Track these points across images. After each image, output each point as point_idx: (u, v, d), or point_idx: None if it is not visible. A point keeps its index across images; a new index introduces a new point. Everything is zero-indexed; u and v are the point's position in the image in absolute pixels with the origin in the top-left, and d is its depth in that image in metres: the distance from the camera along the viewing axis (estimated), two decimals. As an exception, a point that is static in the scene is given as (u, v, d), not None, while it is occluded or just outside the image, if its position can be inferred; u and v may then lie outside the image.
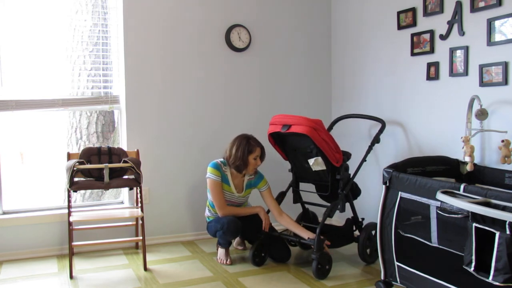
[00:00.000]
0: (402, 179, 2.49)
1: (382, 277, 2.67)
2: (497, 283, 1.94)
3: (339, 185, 3.19)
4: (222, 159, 3.36)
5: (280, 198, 3.44)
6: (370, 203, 3.82)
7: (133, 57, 3.65)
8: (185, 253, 3.55)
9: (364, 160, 3.34)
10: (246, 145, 3.24)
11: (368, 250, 3.27)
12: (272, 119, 3.22)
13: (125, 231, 3.68)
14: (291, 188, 3.49)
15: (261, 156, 3.31)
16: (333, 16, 4.26)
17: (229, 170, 3.33)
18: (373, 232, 3.29)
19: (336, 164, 3.08)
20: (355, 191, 3.40)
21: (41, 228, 3.49)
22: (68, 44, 3.75)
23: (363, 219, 3.40)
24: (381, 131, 3.39)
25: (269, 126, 3.22)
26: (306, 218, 3.58)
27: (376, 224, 3.23)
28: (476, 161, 2.84)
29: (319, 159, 3.07)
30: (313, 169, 3.14)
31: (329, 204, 3.22)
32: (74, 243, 3.16)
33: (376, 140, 3.37)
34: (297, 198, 3.49)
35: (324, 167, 3.10)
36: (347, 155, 3.25)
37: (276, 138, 3.28)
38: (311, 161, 3.10)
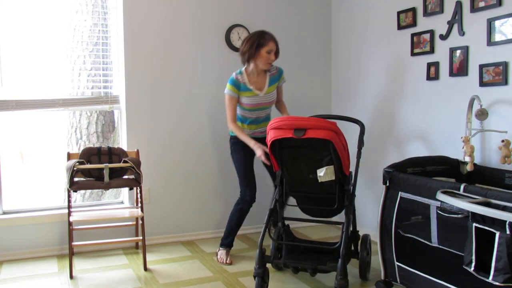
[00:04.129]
0: (402, 179, 2.49)
1: (382, 277, 2.67)
2: (497, 283, 1.94)
3: (344, 196, 2.70)
4: (239, 70, 3.37)
5: (272, 216, 2.78)
6: (370, 205, 3.82)
7: (133, 57, 3.65)
8: (185, 253, 3.55)
9: (358, 166, 3.01)
10: (258, 38, 3.24)
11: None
12: (274, 123, 2.53)
13: (125, 231, 3.68)
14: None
15: (276, 52, 3.28)
16: (333, 16, 4.26)
17: (245, 76, 3.33)
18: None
19: (347, 172, 2.65)
20: None
21: (41, 228, 3.49)
22: (68, 44, 3.75)
23: (358, 231, 3.04)
24: (362, 132, 3.06)
25: (271, 131, 2.55)
26: (289, 236, 3.05)
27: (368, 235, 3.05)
28: (476, 161, 2.84)
29: (331, 168, 2.52)
30: (320, 180, 2.56)
31: (314, 219, 2.86)
32: (74, 243, 3.16)
33: (360, 143, 3.02)
34: (282, 216, 2.93)
35: (333, 177, 2.55)
36: None
37: (276, 145, 2.61)
38: (321, 171, 2.54)
